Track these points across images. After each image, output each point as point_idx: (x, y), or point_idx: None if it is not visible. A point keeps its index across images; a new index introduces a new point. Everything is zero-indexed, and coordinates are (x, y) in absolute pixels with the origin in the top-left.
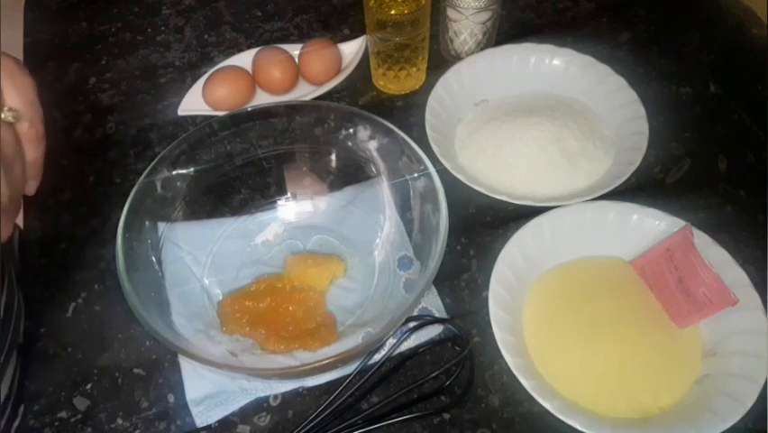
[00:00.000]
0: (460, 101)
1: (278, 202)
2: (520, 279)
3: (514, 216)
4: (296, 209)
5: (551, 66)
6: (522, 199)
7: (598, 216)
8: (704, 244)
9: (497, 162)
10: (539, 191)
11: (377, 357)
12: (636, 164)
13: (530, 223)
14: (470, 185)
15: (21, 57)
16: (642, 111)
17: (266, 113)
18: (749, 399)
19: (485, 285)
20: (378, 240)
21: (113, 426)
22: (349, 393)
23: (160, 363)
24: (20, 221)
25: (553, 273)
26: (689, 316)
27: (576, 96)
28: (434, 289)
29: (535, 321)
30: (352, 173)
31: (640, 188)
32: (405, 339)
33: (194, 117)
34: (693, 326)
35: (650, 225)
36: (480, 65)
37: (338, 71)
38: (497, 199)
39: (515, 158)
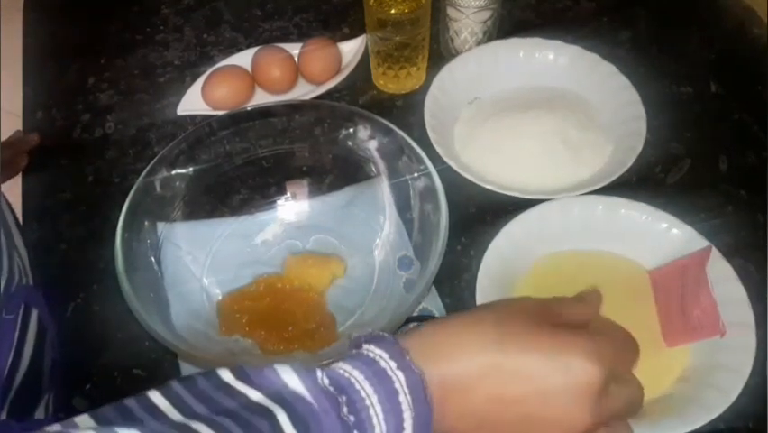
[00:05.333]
0: (455, 100)
1: (278, 202)
2: (509, 270)
3: (514, 216)
4: (296, 209)
5: (541, 59)
6: (533, 194)
7: (588, 211)
8: (714, 257)
9: (500, 159)
10: (545, 184)
11: None
12: (639, 149)
13: (518, 217)
14: (481, 184)
15: (20, 57)
16: (636, 96)
17: (266, 112)
18: (734, 391)
19: None
20: (378, 240)
21: None
22: None
23: (160, 364)
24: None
25: (541, 266)
26: (678, 335)
27: (568, 88)
28: (434, 289)
29: None
30: (352, 173)
31: (640, 187)
32: None
33: (193, 117)
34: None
35: (649, 224)
36: (471, 63)
37: (338, 71)
38: (496, 199)
39: (518, 153)
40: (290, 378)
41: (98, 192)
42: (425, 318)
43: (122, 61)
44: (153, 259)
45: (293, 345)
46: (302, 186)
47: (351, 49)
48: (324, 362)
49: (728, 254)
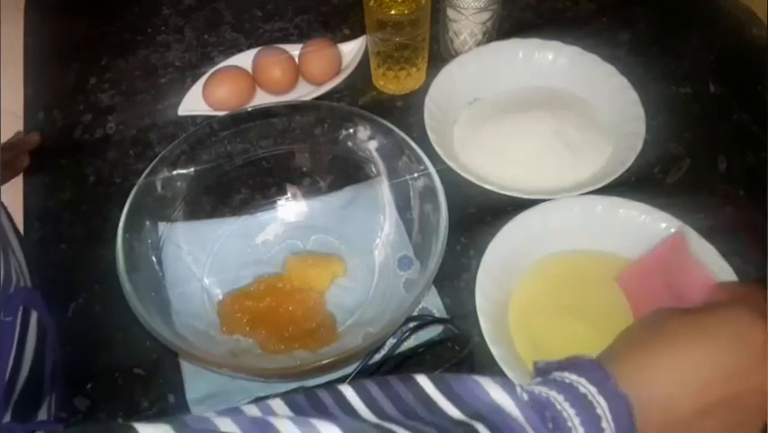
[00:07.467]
0: (454, 101)
1: (278, 202)
2: (509, 270)
3: (514, 216)
4: (296, 209)
5: (540, 60)
6: (533, 194)
7: (587, 211)
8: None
9: (499, 159)
10: (544, 184)
11: (377, 357)
12: (638, 149)
13: (518, 217)
14: (481, 184)
15: (21, 57)
16: (635, 96)
17: (266, 113)
18: None
19: None
20: (378, 240)
21: None
22: None
23: (160, 363)
24: (20, 221)
25: (540, 266)
26: None
27: (568, 88)
28: (434, 289)
29: (521, 311)
30: (352, 173)
31: (640, 187)
32: (405, 339)
33: (194, 117)
34: None
35: (648, 224)
36: (470, 64)
37: (338, 71)
38: (495, 199)
39: (518, 153)
40: (494, 391)
41: (99, 192)
42: (425, 318)
43: (123, 62)
44: (154, 259)
45: (293, 344)
46: (302, 186)
47: (351, 50)
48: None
49: (728, 254)
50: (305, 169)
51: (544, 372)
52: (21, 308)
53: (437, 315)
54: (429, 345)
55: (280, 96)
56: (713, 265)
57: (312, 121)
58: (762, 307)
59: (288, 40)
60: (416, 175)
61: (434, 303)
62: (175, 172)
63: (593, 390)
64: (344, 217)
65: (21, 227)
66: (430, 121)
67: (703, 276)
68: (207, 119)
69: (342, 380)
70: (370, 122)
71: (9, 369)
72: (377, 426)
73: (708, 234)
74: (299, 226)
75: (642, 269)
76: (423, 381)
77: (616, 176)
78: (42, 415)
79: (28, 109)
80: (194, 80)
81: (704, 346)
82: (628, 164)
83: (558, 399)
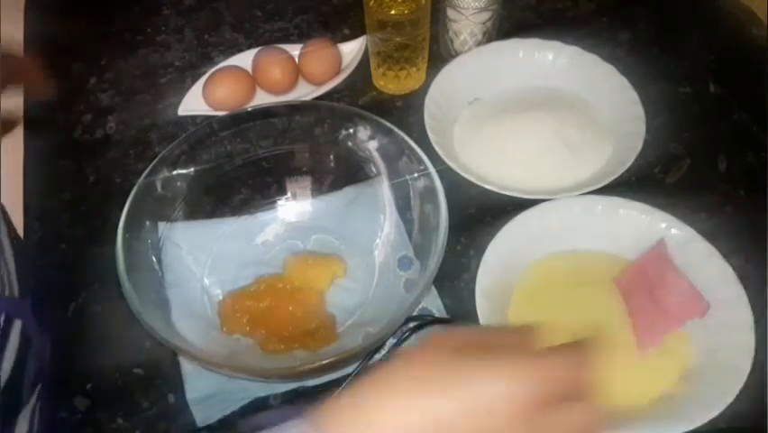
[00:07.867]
0: (454, 101)
1: (278, 202)
2: (508, 270)
3: (514, 216)
4: (296, 209)
5: (540, 60)
6: (533, 194)
7: (587, 211)
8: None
9: (499, 159)
10: (544, 184)
11: (377, 357)
12: (638, 149)
13: (518, 217)
14: (481, 184)
15: (21, 56)
16: (635, 96)
17: (266, 113)
18: (734, 391)
19: None
20: (378, 240)
21: (113, 426)
22: None
23: (160, 363)
24: (20, 221)
25: (540, 266)
26: (658, 330)
27: (568, 88)
28: (434, 289)
29: (521, 312)
30: (352, 173)
31: (640, 187)
32: (405, 339)
33: (194, 117)
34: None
35: (648, 224)
36: (470, 64)
37: (338, 71)
38: (495, 199)
39: (518, 153)
40: None
41: (99, 192)
42: (425, 318)
43: (123, 62)
44: (154, 259)
45: (293, 344)
46: (302, 186)
47: (351, 50)
48: None
49: (728, 254)
50: (305, 169)
51: (254, 426)
52: (2, 318)
53: (437, 315)
54: None
55: (280, 96)
56: (713, 265)
57: (312, 121)
58: (532, 374)
59: (288, 40)
60: (416, 175)
61: (434, 303)
62: (175, 172)
63: None
64: (344, 217)
65: (21, 227)
66: (430, 121)
67: (684, 287)
68: (207, 119)
69: (342, 380)
70: (370, 122)
71: None
72: None
73: (709, 234)
74: (299, 226)
75: (632, 274)
76: None
77: (616, 176)
78: (23, 426)
79: (28, 109)
80: (194, 80)
81: (440, 401)
82: (628, 164)
83: None
